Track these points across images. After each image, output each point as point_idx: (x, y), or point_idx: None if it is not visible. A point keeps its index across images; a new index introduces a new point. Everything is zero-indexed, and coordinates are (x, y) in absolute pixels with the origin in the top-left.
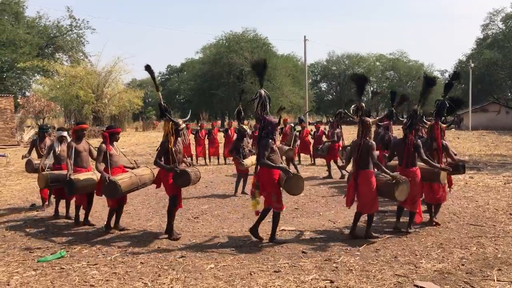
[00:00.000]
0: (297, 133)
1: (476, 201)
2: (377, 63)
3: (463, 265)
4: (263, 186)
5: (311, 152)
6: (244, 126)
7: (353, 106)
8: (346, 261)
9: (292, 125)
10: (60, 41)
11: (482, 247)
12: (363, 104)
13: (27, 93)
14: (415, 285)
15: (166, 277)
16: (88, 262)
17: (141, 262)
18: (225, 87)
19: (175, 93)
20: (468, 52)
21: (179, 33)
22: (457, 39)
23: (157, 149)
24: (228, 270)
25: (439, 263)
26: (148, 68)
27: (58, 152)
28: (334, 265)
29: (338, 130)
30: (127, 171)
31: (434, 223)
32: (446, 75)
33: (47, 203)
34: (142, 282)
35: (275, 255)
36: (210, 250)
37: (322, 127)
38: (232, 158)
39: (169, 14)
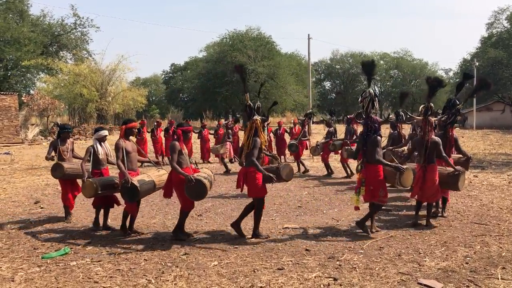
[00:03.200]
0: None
1: (481, 199)
2: (381, 62)
3: (467, 263)
4: (370, 182)
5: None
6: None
7: (421, 106)
8: (350, 259)
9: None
10: (64, 39)
11: (486, 246)
12: (432, 105)
13: (32, 91)
14: (418, 283)
15: (170, 274)
16: (92, 259)
17: (144, 259)
18: (228, 86)
19: (179, 91)
20: (472, 51)
21: (183, 32)
22: (462, 38)
23: (242, 150)
24: (231, 267)
25: (443, 261)
26: (239, 68)
27: (102, 154)
28: (338, 263)
29: (306, 129)
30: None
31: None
32: (451, 73)
33: (71, 212)
34: (146, 279)
35: (279, 252)
36: (214, 247)
37: (284, 126)
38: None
39: (173, 13)
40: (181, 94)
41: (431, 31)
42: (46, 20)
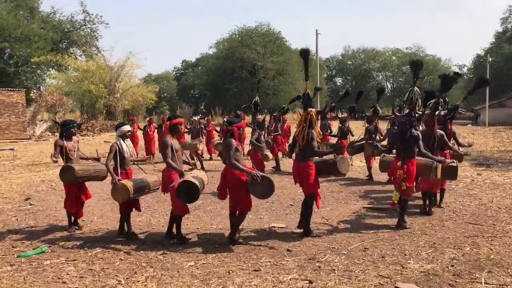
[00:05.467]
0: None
1: (480, 198)
2: (393, 58)
3: (452, 266)
4: (411, 176)
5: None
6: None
7: (433, 100)
8: (331, 260)
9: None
10: (74, 35)
11: (476, 247)
12: (441, 100)
13: (42, 88)
14: (396, 287)
15: (142, 275)
16: (67, 257)
17: (120, 259)
18: (238, 82)
19: (190, 88)
20: (486, 46)
21: (195, 28)
22: (475, 33)
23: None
24: (206, 268)
25: (428, 263)
26: (303, 53)
27: (127, 153)
28: (317, 264)
29: (280, 124)
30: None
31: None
32: (465, 69)
33: (78, 222)
34: (117, 280)
35: (259, 253)
36: (194, 247)
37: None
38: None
39: (184, 8)
40: (192, 91)
41: (445, 26)
42: (56, 17)
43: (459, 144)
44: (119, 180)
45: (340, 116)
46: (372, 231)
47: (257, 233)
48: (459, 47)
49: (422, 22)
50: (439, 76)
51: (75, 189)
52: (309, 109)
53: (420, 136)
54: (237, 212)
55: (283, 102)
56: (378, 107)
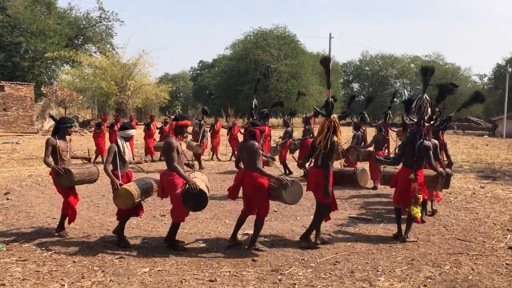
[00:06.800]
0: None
1: (476, 213)
2: (412, 65)
3: (425, 286)
4: (422, 187)
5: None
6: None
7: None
8: (295, 273)
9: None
10: (89, 32)
11: (457, 266)
12: (438, 109)
13: (54, 83)
14: None
15: (89, 280)
16: (19, 257)
17: (73, 261)
18: (250, 84)
19: (205, 88)
20: (508, 56)
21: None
22: (497, 42)
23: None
24: (160, 276)
25: (400, 281)
26: (325, 61)
27: (128, 154)
28: (279, 277)
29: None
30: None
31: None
32: (485, 79)
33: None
34: (60, 284)
35: (222, 261)
36: (157, 252)
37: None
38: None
39: (203, 9)
40: (207, 92)
41: (465, 35)
42: (72, 13)
43: (448, 156)
44: (120, 184)
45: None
46: (350, 243)
47: (229, 240)
48: (480, 56)
49: (443, 30)
50: (437, 85)
51: (72, 191)
52: (332, 115)
53: (431, 147)
54: (256, 218)
55: (295, 105)
56: (366, 114)
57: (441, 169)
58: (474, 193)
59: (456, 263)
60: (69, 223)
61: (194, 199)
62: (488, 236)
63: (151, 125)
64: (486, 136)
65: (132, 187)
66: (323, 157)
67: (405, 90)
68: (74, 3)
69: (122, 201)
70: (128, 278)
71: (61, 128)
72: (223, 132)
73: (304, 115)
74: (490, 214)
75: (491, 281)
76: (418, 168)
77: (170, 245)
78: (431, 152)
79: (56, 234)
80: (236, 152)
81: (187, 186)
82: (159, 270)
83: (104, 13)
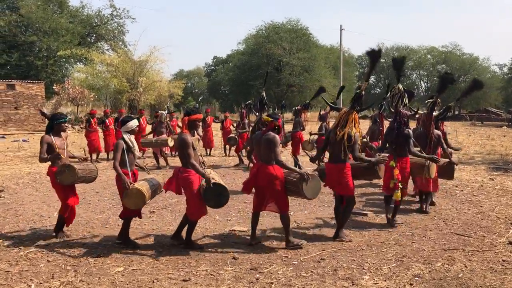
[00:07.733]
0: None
1: (481, 206)
2: (428, 56)
3: (411, 284)
4: (405, 174)
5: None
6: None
7: (427, 101)
8: (274, 271)
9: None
10: (101, 30)
11: (450, 263)
12: (439, 100)
13: (66, 81)
14: None
15: (58, 280)
16: None
17: (48, 260)
18: (262, 78)
19: (219, 84)
20: None
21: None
22: None
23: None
24: (133, 275)
25: (385, 280)
26: (374, 53)
27: (136, 151)
28: (257, 275)
29: (246, 121)
30: None
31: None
32: (505, 69)
33: (67, 228)
34: (27, 285)
35: (200, 260)
36: (135, 250)
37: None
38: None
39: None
40: (221, 87)
41: (484, 24)
42: (84, 11)
43: (448, 145)
44: (130, 183)
45: (370, 115)
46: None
47: (214, 237)
48: (500, 46)
49: (460, 20)
50: (438, 76)
51: (72, 191)
52: (353, 109)
53: (411, 134)
54: (280, 216)
55: (308, 99)
56: (385, 104)
57: (429, 156)
58: (482, 186)
59: (449, 259)
60: (67, 225)
61: (216, 196)
62: (489, 230)
63: (141, 119)
64: (505, 127)
65: (144, 187)
66: (343, 151)
67: (421, 82)
68: (86, 1)
69: (132, 201)
70: (99, 278)
71: (55, 125)
72: (215, 126)
73: (319, 112)
74: (495, 207)
75: (483, 279)
76: (399, 155)
77: (188, 245)
78: (410, 140)
79: (58, 237)
80: (226, 145)
81: (206, 183)
82: (133, 270)
83: (115, 10)
